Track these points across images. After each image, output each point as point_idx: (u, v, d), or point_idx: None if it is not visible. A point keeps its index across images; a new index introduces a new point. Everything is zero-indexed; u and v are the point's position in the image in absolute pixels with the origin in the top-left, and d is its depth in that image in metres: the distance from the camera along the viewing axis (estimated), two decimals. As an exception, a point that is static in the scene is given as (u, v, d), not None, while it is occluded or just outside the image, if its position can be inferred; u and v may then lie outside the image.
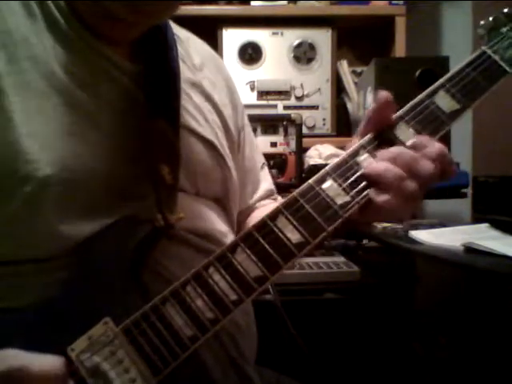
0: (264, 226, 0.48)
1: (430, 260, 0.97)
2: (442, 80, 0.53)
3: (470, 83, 0.53)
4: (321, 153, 1.43)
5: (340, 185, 0.48)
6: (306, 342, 0.96)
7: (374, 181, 0.48)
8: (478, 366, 0.94)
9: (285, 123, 1.39)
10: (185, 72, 0.64)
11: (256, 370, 0.65)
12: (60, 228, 0.49)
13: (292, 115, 1.40)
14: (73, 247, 0.50)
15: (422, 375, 1.11)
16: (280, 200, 0.84)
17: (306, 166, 1.43)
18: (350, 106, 1.66)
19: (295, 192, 0.49)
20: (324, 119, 1.58)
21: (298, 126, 1.39)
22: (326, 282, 1.12)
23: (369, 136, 0.51)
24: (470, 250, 0.86)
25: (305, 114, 1.53)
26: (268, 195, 0.82)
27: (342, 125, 1.63)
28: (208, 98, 0.67)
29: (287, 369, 0.77)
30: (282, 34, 1.58)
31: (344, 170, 0.49)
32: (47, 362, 0.42)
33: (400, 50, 1.56)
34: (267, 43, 1.57)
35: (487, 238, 0.94)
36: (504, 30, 0.57)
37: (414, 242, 1.00)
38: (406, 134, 0.50)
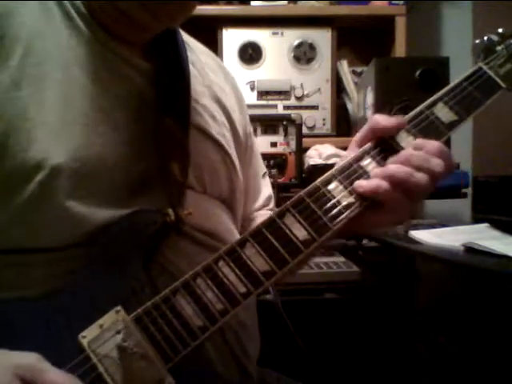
0: (272, 223, 0.50)
1: (430, 260, 0.97)
2: (440, 93, 0.56)
3: (467, 97, 0.56)
4: (321, 153, 1.43)
5: (345, 187, 0.51)
6: (305, 342, 0.96)
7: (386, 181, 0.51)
8: (478, 365, 0.94)
9: (285, 123, 1.38)
10: (195, 74, 0.65)
11: (257, 370, 0.65)
12: (70, 217, 0.50)
13: (292, 115, 1.40)
14: (83, 237, 0.51)
15: (422, 375, 1.12)
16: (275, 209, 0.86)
17: (305, 165, 1.43)
18: (349, 106, 1.66)
19: (302, 192, 0.51)
20: (324, 119, 1.58)
21: (298, 125, 1.39)
22: (325, 282, 1.12)
23: (371, 143, 0.54)
24: (470, 249, 0.86)
25: (305, 114, 1.53)
26: (267, 202, 0.83)
27: (342, 125, 1.63)
28: (217, 100, 0.68)
29: (287, 369, 0.77)
30: (282, 33, 1.58)
31: (349, 173, 0.52)
32: (61, 377, 0.43)
33: (400, 50, 1.56)
34: (267, 43, 1.57)
35: (487, 237, 0.94)
36: (499, 48, 0.60)
37: (413, 241, 1.00)
38: (407, 141, 0.53)
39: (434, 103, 0.55)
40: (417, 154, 0.51)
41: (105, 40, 0.55)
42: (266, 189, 0.83)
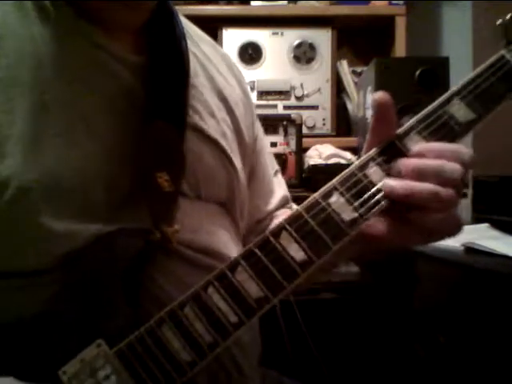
0: (266, 242, 0.45)
1: (430, 260, 0.97)
2: (457, 87, 0.48)
3: (488, 90, 0.48)
4: (321, 153, 1.43)
5: (348, 200, 0.45)
6: (305, 342, 0.96)
7: (402, 201, 0.44)
8: (478, 365, 0.94)
9: (285, 123, 1.39)
10: (195, 64, 0.60)
11: (258, 373, 0.62)
12: (45, 237, 0.46)
13: (292, 115, 1.40)
14: (61, 260, 0.47)
15: (421, 375, 1.11)
16: (295, 208, 0.80)
17: (306, 165, 1.43)
18: (349, 106, 1.66)
19: (300, 207, 0.46)
20: (324, 119, 1.58)
21: (298, 126, 1.39)
22: (324, 281, 1.12)
23: (377, 147, 0.47)
24: (470, 249, 0.86)
25: (305, 114, 1.53)
26: (283, 203, 0.76)
27: (342, 125, 1.63)
28: (219, 93, 0.63)
29: (288, 369, 0.77)
30: (281, 33, 1.58)
31: (352, 183, 0.46)
32: None
33: (400, 49, 1.56)
34: (267, 43, 1.57)
35: (487, 237, 0.94)
36: None
37: (413, 241, 0.99)
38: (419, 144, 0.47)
39: (448, 100, 0.47)
40: (430, 163, 0.44)
41: (87, 30, 0.50)
42: (279, 189, 0.76)
